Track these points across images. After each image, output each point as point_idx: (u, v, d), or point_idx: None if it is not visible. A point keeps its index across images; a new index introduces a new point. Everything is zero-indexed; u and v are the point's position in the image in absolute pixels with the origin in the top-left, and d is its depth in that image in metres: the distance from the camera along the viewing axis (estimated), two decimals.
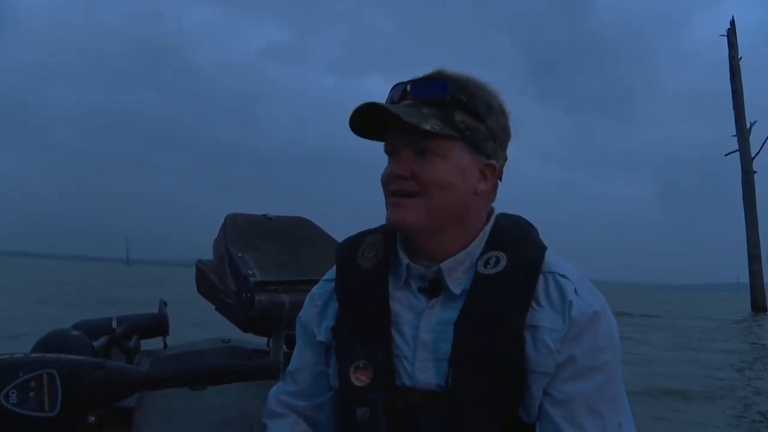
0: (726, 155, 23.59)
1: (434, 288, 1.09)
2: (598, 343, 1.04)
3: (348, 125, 1.08)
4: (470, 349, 1.02)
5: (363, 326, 1.10)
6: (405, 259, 1.12)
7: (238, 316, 2.02)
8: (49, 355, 1.28)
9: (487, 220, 1.13)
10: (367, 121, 1.08)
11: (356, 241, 1.20)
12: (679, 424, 5.61)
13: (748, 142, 23.54)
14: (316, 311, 1.20)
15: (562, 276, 1.07)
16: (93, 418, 1.32)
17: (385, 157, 1.12)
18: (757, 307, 22.74)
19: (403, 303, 1.10)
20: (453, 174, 1.06)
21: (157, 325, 2.32)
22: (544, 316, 1.03)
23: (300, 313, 1.23)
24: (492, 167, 1.10)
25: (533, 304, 1.04)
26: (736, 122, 23.75)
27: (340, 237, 2.28)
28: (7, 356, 1.26)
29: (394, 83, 1.13)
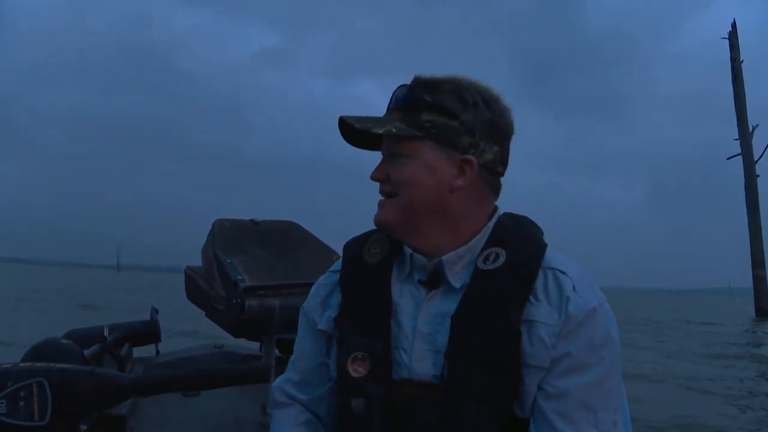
0: (728, 159, 23.18)
1: (433, 280, 1.10)
2: (594, 340, 1.03)
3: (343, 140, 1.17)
4: (467, 342, 1.03)
5: (364, 318, 1.11)
6: (408, 250, 1.13)
7: (228, 322, 2.02)
8: (38, 364, 1.28)
9: (490, 217, 1.15)
10: (354, 133, 1.14)
11: (362, 238, 1.21)
12: None
13: (751, 145, 23.06)
14: (319, 300, 1.21)
15: (562, 272, 1.07)
16: (85, 427, 1.32)
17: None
18: (762, 313, 22.02)
19: (404, 294, 1.11)
20: (421, 172, 1.09)
21: (148, 332, 2.32)
22: (540, 311, 1.04)
23: (304, 303, 1.25)
24: (469, 162, 1.09)
25: (531, 299, 1.04)
26: (738, 126, 23.34)
27: (330, 240, 2.30)
28: None
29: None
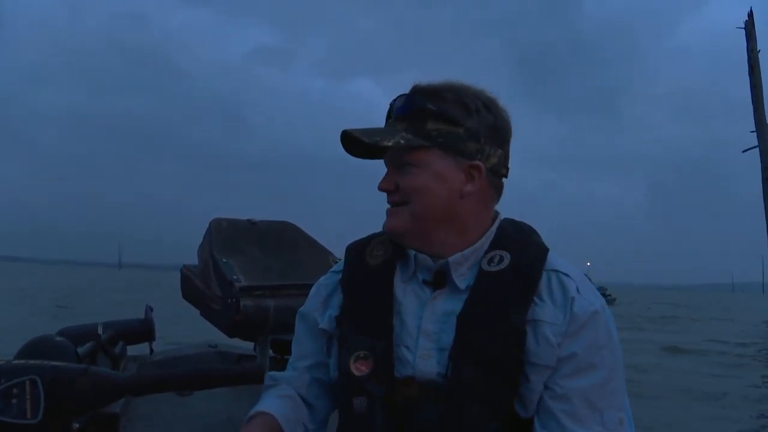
0: (743, 152, 22.93)
1: (438, 281, 1.12)
2: (598, 341, 1.06)
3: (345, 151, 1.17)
4: (472, 342, 1.04)
5: (366, 317, 1.12)
6: (412, 251, 1.15)
7: (223, 322, 2.01)
8: (31, 361, 1.27)
9: (493, 220, 1.17)
10: (358, 145, 1.14)
11: (365, 241, 1.23)
12: None
13: None
14: (320, 301, 1.22)
15: (565, 275, 1.09)
16: (78, 425, 1.32)
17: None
18: None
19: (408, 294, 1.13)
20: (431, 181, 1.10)
21: (143, 330, 2.31)
22: (545, 311, 1.05)
23: (303, 307, 1.26)
24: (477, 168, 1.12)
25: (536, 299, 1.06)
26: (755, 117, 23.02)
27: (330, 240, 2.30)
28: None
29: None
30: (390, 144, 1.10)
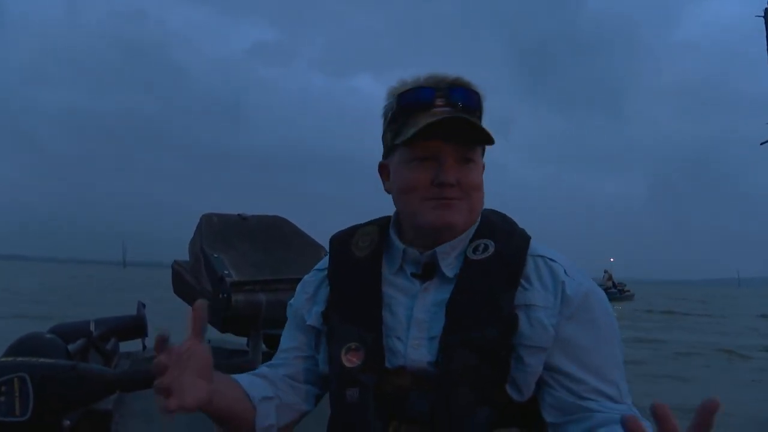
0: (762, 144, 22.85)
1: (427, 272, 1.12)
2: (597, 319, 1.07)
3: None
4: (461, 329, 1.05)
5: (355, 309, 1.12)
6: (401, 245, 1.15)
7: (215, 317, 2.01)
8: (20, 359, 1.27)
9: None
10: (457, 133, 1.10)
11: (349, 232, 1.22)
12: None
13: None
14: (306, 297, 1.21)
15: (551, 260, 1.10)
16: (68, 422, 1.31)
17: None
18: None
19: (397, 287, 1.13)
20: (480, 178, 1.13)
21: (135, 326, 2.31)
22: (536, 296, 1.07)
23: (291, 300, 1.25)
24: (484, 167, 1.15)
25: (524, 283, 1.07)
26: None
27: (326, 236, 2.28)
28: None
29: (416, 82, 1.12)
30: (492, 137, 1.09)
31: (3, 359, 1.28)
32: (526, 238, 1.14)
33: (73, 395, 1.28)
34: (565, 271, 1.09)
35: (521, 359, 1.04)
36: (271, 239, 2.22)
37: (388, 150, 1.16)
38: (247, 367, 1.45)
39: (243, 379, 1.13)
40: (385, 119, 1.16)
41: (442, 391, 1.03)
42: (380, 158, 1.20)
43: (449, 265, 1.12)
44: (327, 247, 1.24)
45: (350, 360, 1.09)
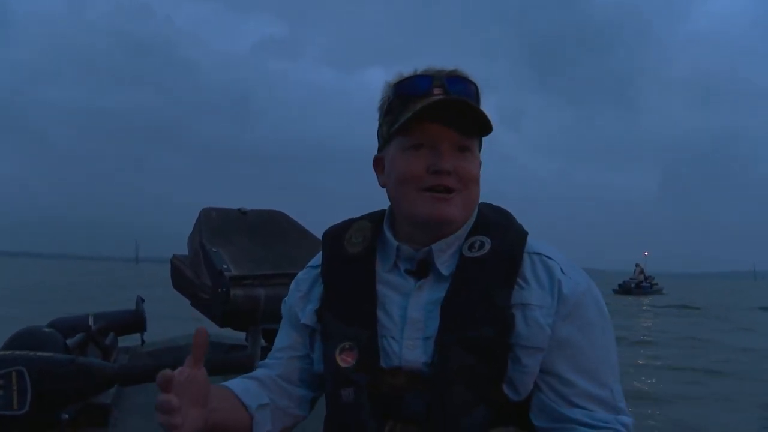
0: None
1: (422, 270, 1.10)
2: (592, 318, 1.06)
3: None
4: (457, 328, 1.03)
5: (349, 308, 1.10)
6: (395, 242, 1.12)
7: (214, 311, 2.00)
8: (18, 352, 1.27)
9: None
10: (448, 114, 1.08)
11: (343, 227, 1.20)
12: None
13: None
14: (300, 296, 1.20)
15: (548, 257, 1.08)
16: (66, 416, 1.31)
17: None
18: None
19: (391, 285, 1.11)
20: (478, 170, 1.11)
21: (134, 321, 2.31)
22: (532, 294, 1.05)
23: (286, 298, 1.23)
24: (480, 163, 1.12)
25: (520, 282, 1.05)
26: None
27: (310, 226, 2.27)
28: None
29: (413, 73, 1.11)
30: (490, 121, 1.07)
31: (1, 353, 1.28)
32: (522, 235, 1.12)
33: (70, 389, 1.28)
34: (561, 270, 1.07)
35: (518, 359, 1.03)
36: (270, 234, 2.22)
37: (384, 142, 1.14)
38: (246, 361, 1.45)
39: (237, 385, 1.12)
40: (381, 112, 1.14)
41: (437, 391, 1.02)
42: None
43: (444, 263, 1.10)
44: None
45: (345, 360, 1.07)
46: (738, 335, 15.79)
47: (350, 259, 1.15)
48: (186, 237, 2.22)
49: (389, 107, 1.11)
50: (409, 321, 1.07)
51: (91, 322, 2.03)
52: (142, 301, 2.38)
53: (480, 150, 1.13)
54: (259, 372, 1.18)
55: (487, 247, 1.09)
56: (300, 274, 1.24)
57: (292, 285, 1.24)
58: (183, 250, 2.24)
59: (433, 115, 1.05)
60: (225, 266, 1.95)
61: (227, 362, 1.47)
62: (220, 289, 1.92)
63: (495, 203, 1.21)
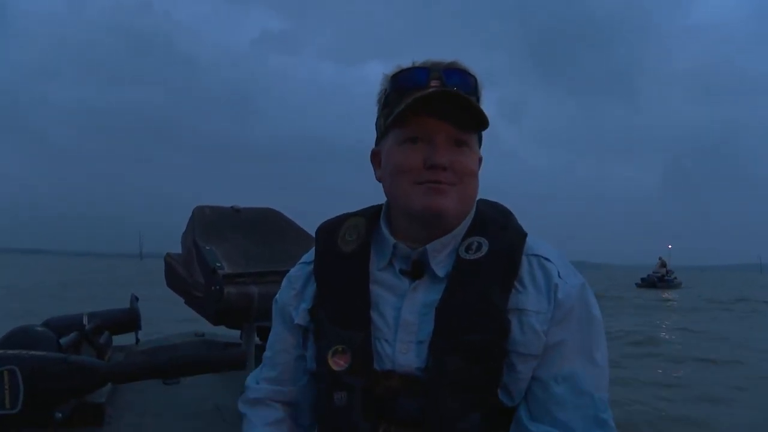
0: None
1: (416, 270, 1.08)
2: (584, 324, 1.05)
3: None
4: (452, 333, 1.01)
5: (342, 309, 1.08)
6: (391, 239, 1.11)
7: (207, 309, 2.00)
8: (9, 351, 1.27)
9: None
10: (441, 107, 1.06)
11: (336, 223, 1.18)
12: None
13: None
14: (293, 294, 1.18)
15: (546, 259, 1.07)
16: (60, 415, 1.31)
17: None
18: None
19: (384, 284, 1.09)
20: (475, 165, 1.09)
21: (128, 320, 2.31)
22: (529, 299, 1.03)
23: (277, 295, 1.21)
24: (481, 160, 1.11)
25: (517, 286, 1.04)
26: None
27: (309, 224, 2.27)
28: None
29: (411, 65, 1.10)
30: (487, 119, 1.05)
31: None
32: (521, 236, 1.09)
33: (63, 387, 1.28)
34: (558, 273, 1.06)
35: (513, 366, 1.02)
36: (263, 232, 2.22)
37: (381, 135, 1.12)
38: (239, 359, 1.45)
39: None
40: (379, 104, 1.13)
41: (431, 396, 1.01)
42: None
43: (440, 264, 1.08)
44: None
45: (337, 363, 1.06)
46: None
47: (344, 256, 1.13)
48: None
49: (386, 100, 1.10)
50: (402, 323, 1.05)
51: (85, 321, 2.03)
52: (137, 299, 2.38)
53: (480, 146, 1.12)
54: (273, 412, 1.19)
55: (485, 248, 1.07)
56: (292, 271, 1.22)
57: (284, 282, 1.21)
58: None
59: (430, 108, 1.04)
60: (218, 264, 1.95)
61: (220, 359, 1.47)
62: (213, 287, 1.92)
63: (495, 198, 1.19)
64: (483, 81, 1.10)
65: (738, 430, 5.97)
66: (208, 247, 2.01)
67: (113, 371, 1.35)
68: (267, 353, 1.22)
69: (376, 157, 1.15)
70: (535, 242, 1.10)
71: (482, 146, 1.13)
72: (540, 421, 1.02)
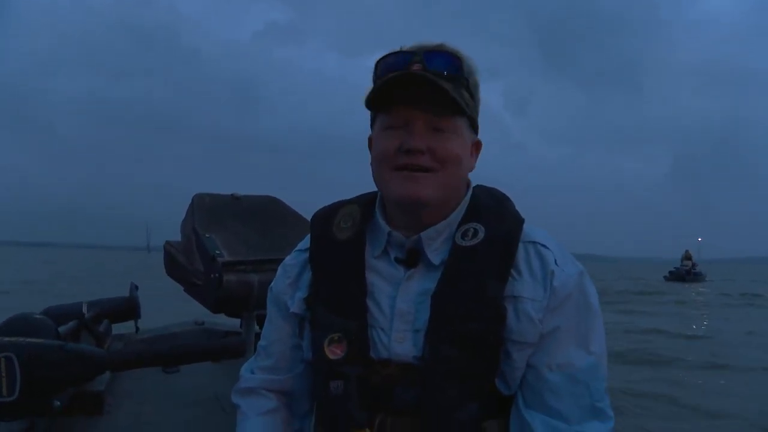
0: None
1: (411, 258, 1.08)
2: (581, 312, 1.04)
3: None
4: (448, 321, 1.01)
5: (338, 297, 1.08)
6: (386, 227, 1.10)
7: (207, 298, 2.00)
8: (7, 338, 1.26)
9: (465, 192, 1.13)
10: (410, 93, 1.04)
11: (331, 211, 1.18)
12: None
13: None
14: (288, 282, 1.18)
15: (543, 246, 1.06)
16: (58, 403, 1.30)
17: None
18: None
19: (380, 273, 1.09)
20: (462, 150, 1.07)
21: (128, 308, 2.30)
22: (524, 287, 1.03)
23: (272, 284, 1.22)
24: (479, 144, 1.11)
25: (513, 273, 1.04)
26: None
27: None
28: None
29: (394, 50, 1.08)
30: (460, 102, 1.03)
31: None
32: (518, 222, 1.08)
33: (61, 375, 1.27)
34: (555, 260, 1.05)
35: (508, 354, 1.02)
36: (263, 219, 2.21)
37: (372, 121, 1.12)
38: (239, 347, 1.44)
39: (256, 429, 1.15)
40: None
41: (429, 384, 1.00)
42: None
43: (435, 251, 1.07)
44: None
45: (333, 352, 1.05)
46: None
47: (339, 243, 1.12)
48: None
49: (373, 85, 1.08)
50: (398, 312, 1.05)
51: (84, 309, 2.02)
52: (136, 288, 2.38)
53: (476, 131, 1.10)
54: (267, 402, 1.18)
55: (481, 235, 1.06)
56: (287, 259, 1.21)
57: (279, 270, 1.21)
58: None
59: (406, 93, 1.02)
60: (218, 252, 1.94)
61: (218, 347, 1.47)
62: (212, 275, 1.92)
63: (502, 189, 1.18)
64: (478, 66, 1.09)
65: None
66: (207, 235, 2.00)
67: (112, 359, 1.35)
68: (262, 342, 1.22)
69: (370, 143, 1.14)
70: (532, 229, 1.09)
71: (481, 132, 1.12)
72: (534, 409, 1.01)
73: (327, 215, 1.17)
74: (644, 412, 6.23)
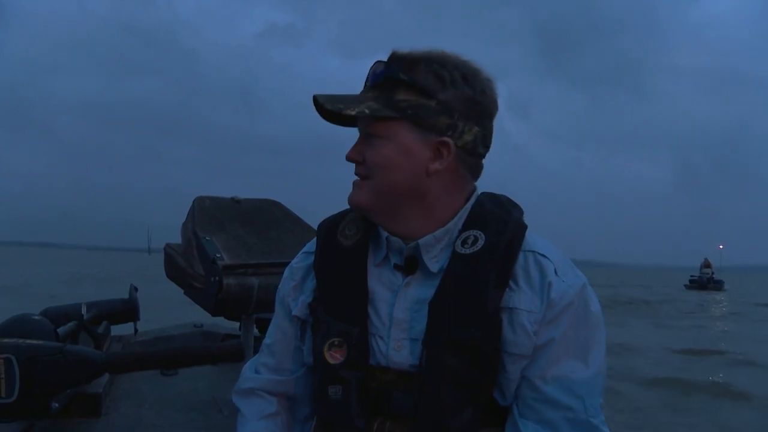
0: None
1: (410, 265, 1.08)
2: (578, 324, 1.02)
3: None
4: (445, 330, 1.00)
5: (339, 303, 1.08)
6: (385, 232, 1.10)
7: (207, 301, 2.00)
8: (6, 340, 1.26)
9: (468, 199, 1.11)
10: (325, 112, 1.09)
11: (337, 218, 1.18)
12: None
13: None
14: (293, 285, 1.18)
15: (543, 256, 1.05)
16: (57, 405, 1.30)
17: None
18: None
19: (380, 280, 1.09)
20: (395, 154, 1.04)
21: (127, 310, 2.30)
22: (521, 298, 1.02)
23: (279, 286, 1.22)
24: (446, 145, 1.05)
25: (511, 284, 1.02)
26: None
27: (315, 220, 2.28)
28: None
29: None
30: (354, 113, 1.03)
31: None
32: (521, 229, 1.07)
33: (60, 377, 1.27)
34: (555, 271, 1.03)
35: (503, 366, 1.01)
36: (264, 223, 2.21)
37: None
38: (237, 350, 1.44)
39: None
40: None
41: (426, 392, 1.00)
42: None
43: (433, 258, 1.07)
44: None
45: (333, 356, 1.05)
46: None
47: (343, 250, 1.12)
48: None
49: None
50: (395, 321, 1.05)
51: (83, 310, 2.02)
52: (136, 290, 2.38)
53: (439, 130, 1.05)
54: (269, 405, 1.18)
55: (481, 242, 1.04)
56: (294, 261, 1.22)
57: (286, 272, 1.22)
58: None
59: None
60: (218, 255, 1.94)
61: (217, 350, 1.46)
62: (212, 278, 1.92)
63: (506, 193, 1.16)
64: (466, 62, 1.07)
65: None
66: (207, 238, 2.00)
67: (110, 361, 1.35)
68: (266, 341, 1.22)
69: None
70: (534, 238, 1.07)
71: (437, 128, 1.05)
72: (528, 419, 1.01)
73: (332, 223, 1.18)
74: None
